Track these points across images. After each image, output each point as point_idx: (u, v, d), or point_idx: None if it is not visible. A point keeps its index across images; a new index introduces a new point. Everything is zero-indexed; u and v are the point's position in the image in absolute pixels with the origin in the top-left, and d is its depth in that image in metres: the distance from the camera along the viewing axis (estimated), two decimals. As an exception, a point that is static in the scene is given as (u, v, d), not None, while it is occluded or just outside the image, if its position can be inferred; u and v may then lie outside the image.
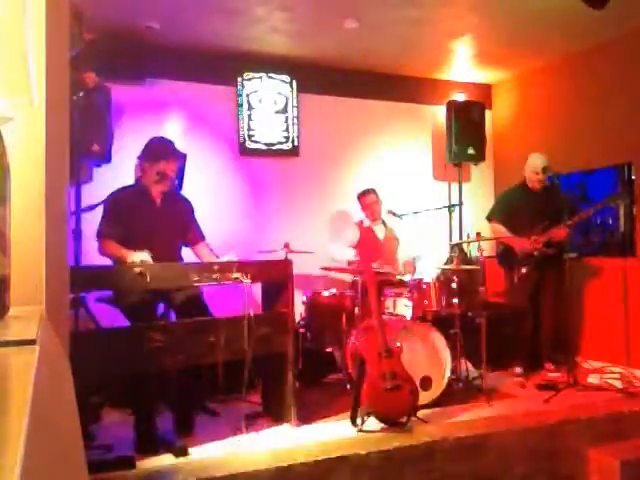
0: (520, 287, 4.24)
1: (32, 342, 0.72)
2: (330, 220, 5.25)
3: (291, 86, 5.22)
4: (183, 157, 3.83)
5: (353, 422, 3.08)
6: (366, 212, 4.67)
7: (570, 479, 3.09)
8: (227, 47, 4.79)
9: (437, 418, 3.24)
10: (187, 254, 3.48)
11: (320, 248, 4.37)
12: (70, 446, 0.74)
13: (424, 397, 3.28)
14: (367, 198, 4.64)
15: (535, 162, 4.22)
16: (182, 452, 2.77)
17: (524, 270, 4.16)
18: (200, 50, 4.78)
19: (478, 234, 4.49)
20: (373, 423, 3.05)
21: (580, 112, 5.05)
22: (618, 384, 3.81)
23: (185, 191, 4.01)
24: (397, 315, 3.83)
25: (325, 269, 4.27)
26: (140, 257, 2.90)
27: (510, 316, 4.39)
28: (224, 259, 3.15)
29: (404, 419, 3.04)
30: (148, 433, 2.88)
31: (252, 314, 3.00)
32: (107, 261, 3.17)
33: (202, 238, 3.46)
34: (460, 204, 5.51)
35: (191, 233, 3.43)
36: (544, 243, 4.09)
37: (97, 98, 3.95)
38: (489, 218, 4.47)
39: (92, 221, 3.31)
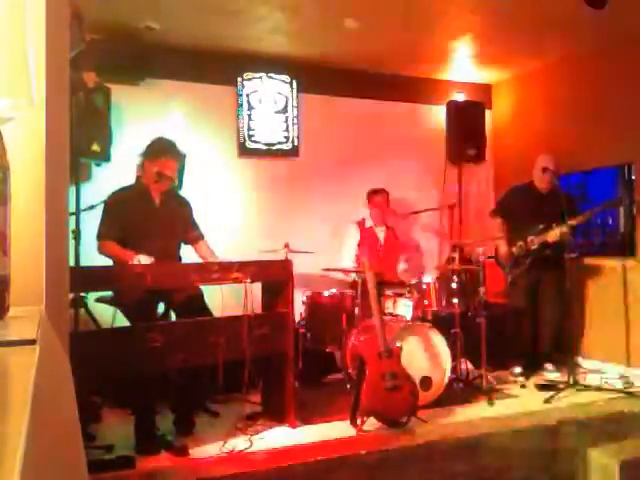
0: (516, 286, 4.27)
1: (32, 342, 0.72)
2: (330, 220, 5.24)
3: (291, 86, 5.22)
4: (183, 157, 3.84)
5: (353, 422, 3.08)
6: (372, 212, 4.66)
7: (570, 479, 3.09)
8: (227, 47, 4.79)
9: (437, 418, 3.24)
10: (187, 254, 3.49)
11: (320, 248, 4.36)
12: (70, 446, 0.74)
13: (424, 397, 3.28)
14: (376, 197, 4.64)
15: (540, 163, 4.26)
16: (182, 452, 2.77)
17: (519, 269, 4.19)
18: (200, 50, 4.78)
19: (478, 234, 4.50)
20: (373, 423, 3.05)
21: (580, 112, 5.04)
22: (618, 384, 3.81)
23: (185, 191, 4.01)
24: (397, 315, 3.83)
25: (326, 270, 4.27)
26: (142, 261, 2.91)
27: (510, 316, 4.39)
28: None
29: (404, 419, 3.04)
30: (148, 433, 2.88)
31: (252, 314, 3.00)
32: (107, 261, 3.17)
33: (201, 237, 3.47)
34: (460, 204, 5.51)
35: (191, 233, 3.44)
36: (540, 244, 4.09)
37: (97, 98, 3.96)
38: (492, 213, 4.56)
39: (92, 221, 3.31)
